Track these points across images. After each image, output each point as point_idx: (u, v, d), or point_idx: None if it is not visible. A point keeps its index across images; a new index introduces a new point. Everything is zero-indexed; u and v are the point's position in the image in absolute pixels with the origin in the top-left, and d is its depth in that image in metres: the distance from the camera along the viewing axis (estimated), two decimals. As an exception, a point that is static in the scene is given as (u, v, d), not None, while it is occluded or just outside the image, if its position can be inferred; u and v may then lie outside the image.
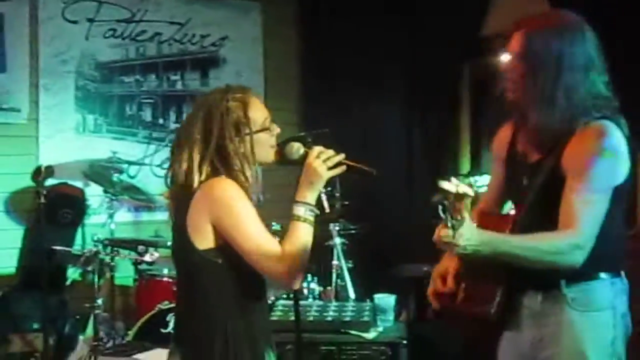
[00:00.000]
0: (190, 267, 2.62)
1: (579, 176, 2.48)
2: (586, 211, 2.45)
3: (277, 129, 2.66)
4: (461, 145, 6.75)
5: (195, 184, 2.52)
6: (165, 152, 6.39)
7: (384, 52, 6.46)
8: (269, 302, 4.32)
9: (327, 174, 2.57)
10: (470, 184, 2.27)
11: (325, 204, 4.66)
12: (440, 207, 2.23)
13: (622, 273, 2.64)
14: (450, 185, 2.21)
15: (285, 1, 7.13)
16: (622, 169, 2.52)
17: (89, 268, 4.85)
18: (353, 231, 5.24)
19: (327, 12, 6.80)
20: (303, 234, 2.52)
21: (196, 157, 2.56)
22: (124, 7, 6.38)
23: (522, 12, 5.67)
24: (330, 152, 2.59)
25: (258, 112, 2.62)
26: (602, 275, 2.57)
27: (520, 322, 2.67)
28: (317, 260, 5.40)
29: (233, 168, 2.55)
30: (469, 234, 2.32)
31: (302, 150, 2.61)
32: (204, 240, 2.53)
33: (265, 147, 2.62)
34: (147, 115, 6.52)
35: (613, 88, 2.60)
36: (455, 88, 6.61)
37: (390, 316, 4.24)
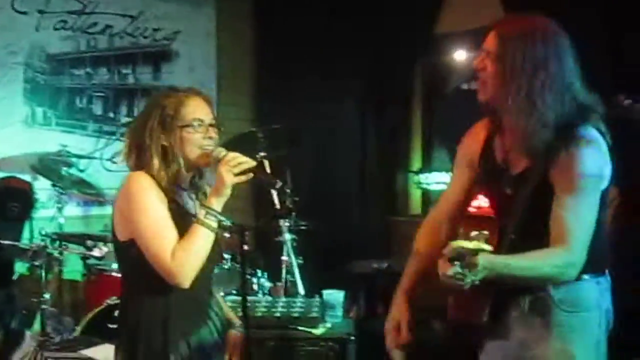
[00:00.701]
0: (117, 257, 2.76)
1: (568, 191, 2.47)
2: (577, 226, 2.45)
3: (210, 133, 2.65)
4: (413, 143, 6.80)
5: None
6: (115, 146, 6.34)
7: (339, 48, 6.46)
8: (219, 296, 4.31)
9: (232, 181, 2.58)
10: (485, 237, 2.28)
11: (276, 201, 4.69)
12: (458, 265, 2.23)
13: (606, 271, 2.66)
14: (468, 243, 2.21)
15: (239, -5, 7.12)
16: (607, 176, 2.53)
17: (37, 262, 4.78)
18: (303, 227, 5.24)
19: (282, 8, 6.79)
20: (198, 237, 2.55)
21: (126, 146, 2.68)
22: (75, -1, 6.31)
23: (475, 11, 5.77)
24: (242, 158, 2.60)
25: (189, 111, 2.63)
26: (588, 275, 2.57)
27: (507, 324, 2.66)
28: (267, 256, 5.40)
29: (151, 160, 2.59)
30: (486, 268, 2.30)
31: (221, 154, 2.61)
32: (123, 231, 2.61)
33: (191, 146, 2.62)
34: (97, 108, 6.46)
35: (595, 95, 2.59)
36: (408, 86, 6.66)
37: (339, 312, 4.24)
